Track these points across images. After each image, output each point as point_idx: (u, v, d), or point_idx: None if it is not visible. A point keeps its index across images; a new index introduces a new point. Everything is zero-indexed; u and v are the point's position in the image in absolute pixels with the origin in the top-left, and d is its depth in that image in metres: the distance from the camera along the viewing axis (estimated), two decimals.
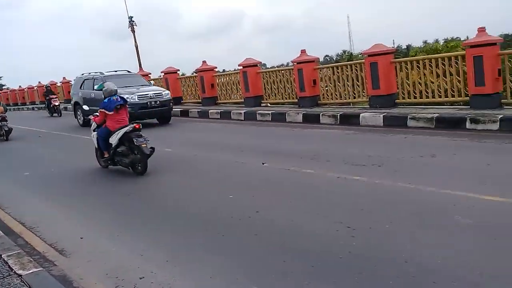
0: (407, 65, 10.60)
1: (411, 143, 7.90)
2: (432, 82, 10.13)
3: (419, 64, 10.35)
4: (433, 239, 3.84)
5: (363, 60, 11.32)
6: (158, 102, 13.41)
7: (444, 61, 9.88)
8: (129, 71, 15.59)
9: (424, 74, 10.26)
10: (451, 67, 9.72)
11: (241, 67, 14.59)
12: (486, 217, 4.17)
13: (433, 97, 10.14)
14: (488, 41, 8.99)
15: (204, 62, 16.43)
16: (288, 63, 27.58)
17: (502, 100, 9.08)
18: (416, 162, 6.42)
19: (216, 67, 16.98)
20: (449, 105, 10.28)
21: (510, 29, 59.25)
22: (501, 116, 8.09)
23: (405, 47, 51.04)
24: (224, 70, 25.48)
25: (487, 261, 3.36)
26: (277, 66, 28.44)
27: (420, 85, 10.34)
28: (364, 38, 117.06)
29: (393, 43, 49.00)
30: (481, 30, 9.18)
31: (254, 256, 3.91)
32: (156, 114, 13.73)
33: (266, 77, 14.25)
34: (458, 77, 9.64)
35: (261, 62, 15.38)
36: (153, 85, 15.50)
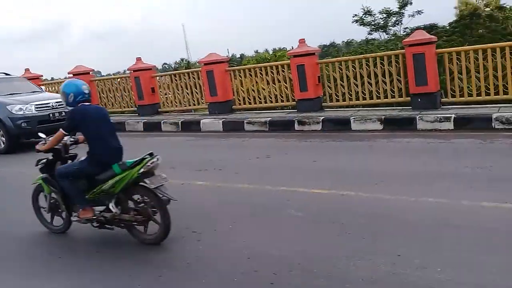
0: (241, 73, 11.21)
1: (249, 146, 8.38)
2: (264, 89, 10.91)
3: (251, 72, 11.04)
4: (271, 233, 4.14)
5: (200, 68, 11.60)
6: (63, 114, 9.84)
7: (273, 69, 10.73)
8: (7, 74, 11.94)
9: (256, 82, 10.99)
10: (279, 74, 10.61)
11: (71, 75, 13.56)
12: (315, 208, 4.66)
13: (266, 102, 10.91)
14: (308, 52, 10.07)
15: (27, 70, 14.82)
16: (124, 71, 26.66)
17: (323, 104, 10.27)
18: (253, 163, 6.83)
19: (42, 75, 15.46)
20: (280, 109, 11.19)
21: (326, 41, 67.34)
22: (323, 117, 9.14)
23: (239, 56, 53.81)
24: (52, 79, 23.34)
25: (318, 247, 3.76)
26: (113, 74, 27.23)
27: (254, 91, 11.05)
28: (201, 47, 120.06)
29: (228, 52, 51.16)
30: (302, 41, 10.23)
31: (98, 273, 3.68)
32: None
33: (101, 85, 13.53)
34: (285, 84, 10.56)
35: (94, 70, 14.54)
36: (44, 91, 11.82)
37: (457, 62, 8.67)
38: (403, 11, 19.32)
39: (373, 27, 20.20)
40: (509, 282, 2.93)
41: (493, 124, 7.47)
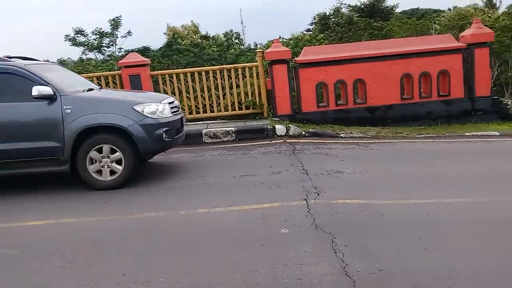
0: None
1: None
2: None
3: None
4: None
5: None
6: (184, 119, 6.86)
7: None
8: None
9: None
10: None
11: None
12: (32, 243, 4.18)
13: None
14: None
15: None
16: None
17: None
18: None
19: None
20: None
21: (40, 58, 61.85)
22: None
23: None
24: None
25: (36, 286, 3.38)
26: None
27: None
28: None
29: None
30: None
31: None
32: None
33: None
34: None
35: None
36: None
37: (170, 84, 9.39)
38: (116, 32, 19.55)
39: (87, 47, 19.74)
40: (219, 278, 3.31)
41: (203, 139, 8.42)
